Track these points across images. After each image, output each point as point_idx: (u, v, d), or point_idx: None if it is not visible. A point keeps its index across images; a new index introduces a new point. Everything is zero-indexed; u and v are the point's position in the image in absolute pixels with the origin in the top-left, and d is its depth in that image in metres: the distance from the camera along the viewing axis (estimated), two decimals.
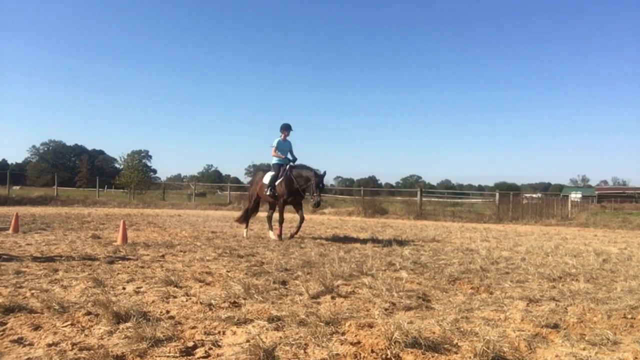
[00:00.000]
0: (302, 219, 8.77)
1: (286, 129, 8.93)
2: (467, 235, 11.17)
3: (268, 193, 8.70)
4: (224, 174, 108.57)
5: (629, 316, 3.54)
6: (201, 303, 3.63)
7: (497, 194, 22.55)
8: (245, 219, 9.48)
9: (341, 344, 2.77)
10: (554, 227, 16.34)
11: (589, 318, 3.50)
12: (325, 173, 8.45)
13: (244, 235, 9.17)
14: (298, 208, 8.97)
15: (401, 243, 8.42)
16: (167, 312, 3.42)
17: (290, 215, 14.16)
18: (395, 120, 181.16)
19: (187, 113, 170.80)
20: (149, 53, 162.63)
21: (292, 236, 8.77)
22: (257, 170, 9.94)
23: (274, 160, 8.92)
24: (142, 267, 5.32)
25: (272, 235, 8.95)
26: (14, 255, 5.90)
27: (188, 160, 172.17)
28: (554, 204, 24.38)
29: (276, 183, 8.63)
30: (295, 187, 8.48)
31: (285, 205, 8.80)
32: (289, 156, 8.95)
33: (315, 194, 8.20)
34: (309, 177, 8.36)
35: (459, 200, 29.57)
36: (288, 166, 8.70)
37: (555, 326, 3.24)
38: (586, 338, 2.99)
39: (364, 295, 4.09)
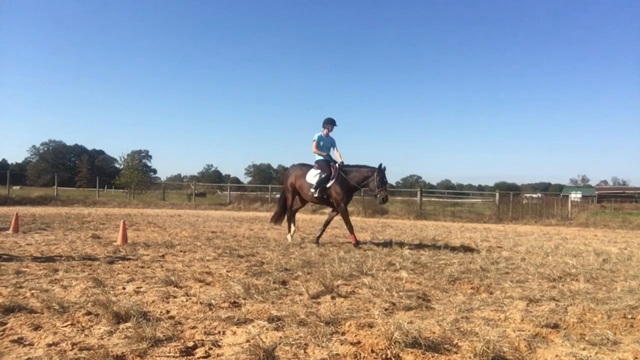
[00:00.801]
0: (328, 223, 8.13)
1: (329, 123, 8.18)
2: (467, 235, 11.16)
3: (316, 195, 7.83)
4: (224, 174, 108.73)
5: (629, 316, 3.54)
6: (201, 303, 3.63)
7: (497, 194, 22.56)
8: (283, 218, 8.78)
9: (341, 344, 2.77)
10: (554, 227, 16.34)
11: (589, 318, 3.50)
12: (385, 167, 7.68)
13: (289, 239, 8.34)
14: (334, 209, 8.13)
15: (401, 243, 8.42)
16: (167, 312, 3.42)
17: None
18: (395, 120, 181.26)
19: (187, 113, 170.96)
20: (149, 53, 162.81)
21: (317, 240, 7.97)
22: (299, 166, 8.62)
23: (319, 157, 8.14)
24: (142, 267, 5.32)
25: (289, 236, 8.41)
26: (14, 255, 5.90)
27: (188, 160, 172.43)
28: (554, 204, 24.38)
29: (329, 185, 7.80)
30: (352, 185, 7.81)
31: (346, 205, 7.93)
32: (332, 154, 8.19)
33: (381, 190, 7.53)
34: (367, 175, 7.69)
35: (459, 200, 29.59)
36: (337, 164, 7.94)
37: (555, 326, 3.24)
38: (586, 338, 2.99)
39: (364, 295, 4.09)
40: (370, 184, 7.68)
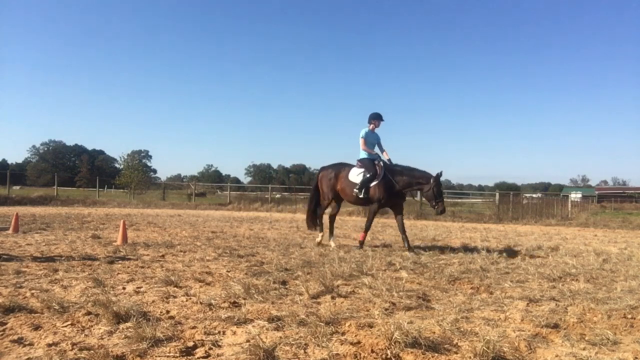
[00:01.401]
0: (402, 225, 7.52)
1: (376, 118, 7.75)
2: (467, 235, 11.16)
3: (361, 195, 7.36)
4: (224, 174, 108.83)
5: (629, 316, 3.54)
6: (201, 303, 3.63)
7: (497, 194, 22.59)
8: (315, 221, 8.19)
9: (341, 344, 2.77)
10: (554, 227, 16.34)
11: (589, 318, 3.50)
12: (442, 173, 7.27)
13: (318, 240, 7.93)
14: (398, 212, 7.63)
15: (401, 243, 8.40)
16: (167, 312, 3.42)
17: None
18: (394, 120, 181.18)
19: (187, 113, 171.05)
20: (149, 53, 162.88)
21: (410, 248, 7.28)
22: (339, 166, 8.04)
23: (363, 155, 7.68)
24: (142, 267, 5.32)
25: (332, 242, 7.88)
26: (14, 255, 5.90)
27: (188, 160, 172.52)
28: (554, 204, 24.41)
29: (371, 185, 7.37)
30: (398, 189, 7.40)
31: (380, 209, 7.63)
32: (377, 150, 7.77)
33: (439, 201, 7.17)
34: (420, 180, 7.28)
35: (459, 200, 29.61)
36: (382, 162, 7.55)
37: (555, 326, 3.23)
38: (586, 338, 2.99)
39: (364, 295, 4.09)
40: (426, 192, 7.27)
